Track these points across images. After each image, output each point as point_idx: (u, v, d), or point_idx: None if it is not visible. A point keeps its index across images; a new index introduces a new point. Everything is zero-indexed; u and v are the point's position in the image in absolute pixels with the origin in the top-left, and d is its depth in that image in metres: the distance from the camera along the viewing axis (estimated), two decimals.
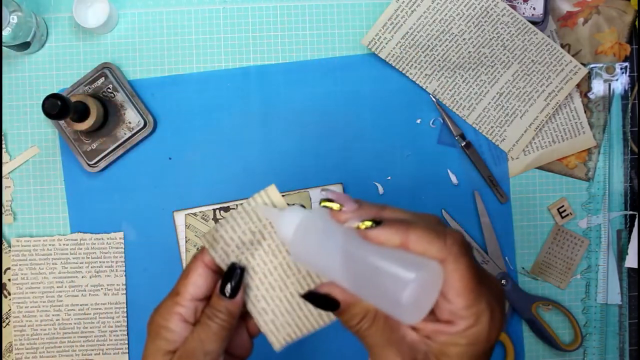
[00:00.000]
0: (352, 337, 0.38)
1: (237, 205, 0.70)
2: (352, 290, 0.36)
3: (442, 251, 0.33)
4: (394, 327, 0.36)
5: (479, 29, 0.70)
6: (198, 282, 0.41)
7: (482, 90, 0.71)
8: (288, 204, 0.40)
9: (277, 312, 0.41)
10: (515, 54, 0.70)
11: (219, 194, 0.71)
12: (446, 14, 0.70)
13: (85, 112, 0.66)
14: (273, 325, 0.41)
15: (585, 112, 0.73)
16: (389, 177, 0.72)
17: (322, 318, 0.41)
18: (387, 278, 0.33)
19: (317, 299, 0.37)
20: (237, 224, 0.41)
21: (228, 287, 0.40)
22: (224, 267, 0.41)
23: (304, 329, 0.41)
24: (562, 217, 0.72)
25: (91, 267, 0.70)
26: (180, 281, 0.42)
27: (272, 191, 0.41)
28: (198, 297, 0.41)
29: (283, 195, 0.70)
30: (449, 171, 0.72)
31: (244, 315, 0.43)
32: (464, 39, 0.70)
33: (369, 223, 0.35)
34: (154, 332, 0.41)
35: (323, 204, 0.36)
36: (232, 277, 0.40)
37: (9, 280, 0.70)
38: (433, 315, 0.35)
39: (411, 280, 0.32)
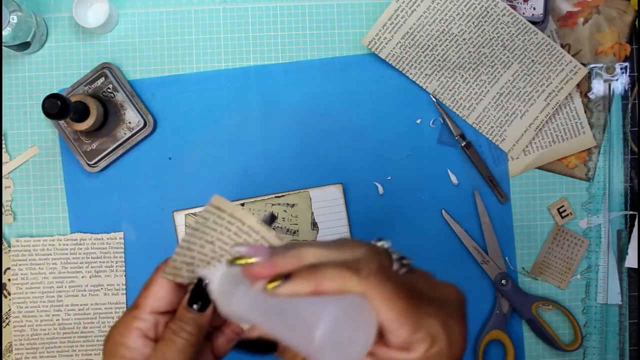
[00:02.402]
0: None
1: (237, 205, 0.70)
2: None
3: (360, 286, 0.31)
4: None
5: (479, 29, 0.70)
6: (159, 294, 0.38)
7: (482, 90, 0.71)
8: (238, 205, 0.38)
9: None
10: (515, 54, 0.70)
11: (219, 194, 0.71)
12: (446, 14, 0.70)
13: (85, 112, 0.66)
14: None
15: (585, 112, 0.73)
16: (389, 177, 0.72)
17: None
18: (300, 324, 0.31)
19: (252, 344, 0.34)
20: (192, 243, 0.38)
21: (198, 300, 0.37)
22: (194, 280, 0.38)
23: None
24: (562, 217, 0.72)
25: (91, 267, 0.70)
26: (140, 293, 0.39)
27: (217, 200, 0.39)
28: (159, 311, 0.38)
29: (282, 196, 0.70)
30: (449, 171, 0.72)
31: (208, 335, 0.41)
32: (464, 39, 0.70)
33: (276, 282, 0.32)
34: (110, 350, 0.37)
35: (232, 262, 0.35)
36: (201, 289, 0.37)
37: (9, 280, 0.70)
38: (384, 342, 0.32)
39: (321, 319, 0.29)
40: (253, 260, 0.34)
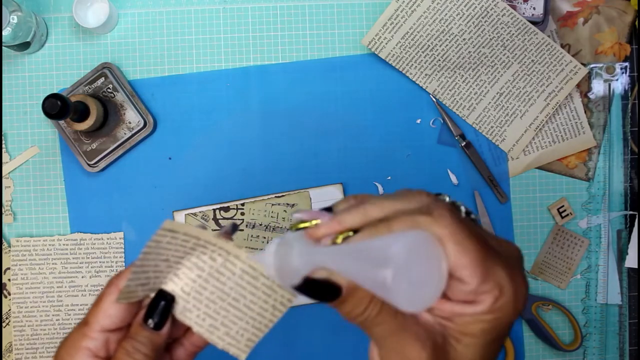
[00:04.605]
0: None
1: (237, 205, 0.70)
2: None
3: (434, 226, 0.29)
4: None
5: (479, 29, 0.70)
6: (110, 311, 0.36)
7: (482, 90, 0.71)
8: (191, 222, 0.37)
9: (228, 323, 0.37)
10: (515, 54, 0.70)
11: (219, 194, 0.71)
12: (446, 14, 0.70)
13: (85, 112, 0.66)
14: (230, 338, 0.37)
15: (585, 112, 0.73)
16: (389, 177, 0.72)
17: (277, 309, 0.37)
18: (370, 264, 0.29)
19: (316, 287, 0.31)
20: (146, 266, 0.37)
21: (154, 316, 0.35)
22: (151, 294, 0.36)
23: (263, 327, 0.37)
24: (562, 217, 0.72)
25: (91, 267, 0.70)
26: (90, 309, 0.36)
27: (169, 224, 0.37)
28: (110, 328, 0.36)
29: (282, 196, 0.70)
30: (449, 171, 0.72)
31: (169, 346, 0.39)
32: (464, 39, 0.70)
33: (342, 235, 0.31)
34: None
35: (296, 227, 0.33)
36: (159, 304, 0.35)
37: (9, 280, 0.70)
38: (446, 296, 0.31)
39: (392, 256, 0.28)
40: (317, 222, 0.32)
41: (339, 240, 0.31)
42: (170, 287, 0.36)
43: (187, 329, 0.38)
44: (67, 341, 0.36)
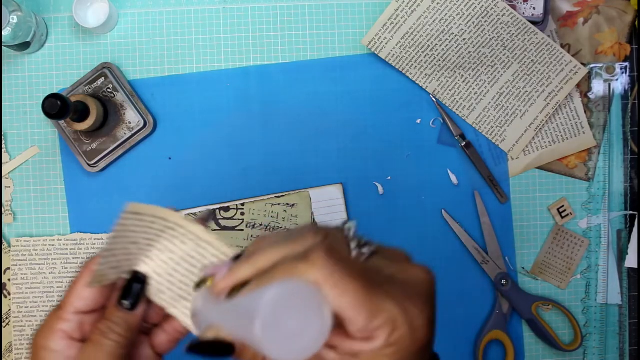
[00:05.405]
0: None
1: (237, 205, 0.70)
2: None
3: (309, 273, 0.29)
4: None
5: (479, 29, 0.70)
6: (84, 294, 0.36)
7: (482, 90, 0.71)
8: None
9: None
10: (515, 54, 0.70)
11: (219, 194, 0.71)
12: (446, 14, 0.70)
13: (85, 112, 0.66)
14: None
15: (585, 112, 0.73)
16: (389, 177, 0.72)
17: None
18: (244, 317, 0.29)
19: (208, 346, 0.32)
20: (114, 250, 0.37)
21: (128, 297, 0.35)
22: (125, 275, 0.37)
23: None
24: (562, 217, 0.72)
25: None
26: (65, 293, 0.37)
27: (134, 206, 0.37)
28: (84, 310, 0.36)
29: (282, 196, 0.70)
30: (449, 171, 0.72)
31: (149, 331, 0.39)
32: (464, 39, 0.70)
33: (236, 292, 0.32)
34: (34, 354, 0.36)
35: (197, 286, 0.35)
36: (132, 285, 0.35)
37: (9, 280, 0.70)
38: (347, 334, 0.31)
39: (260, 307, 0.27)
40: (211, 281, 0.34)
41: (231, 295, 0.32)
42: (143, 268, 0.36)
43: (168, 315, 0.38)
44: (43, 326, 0.37)
